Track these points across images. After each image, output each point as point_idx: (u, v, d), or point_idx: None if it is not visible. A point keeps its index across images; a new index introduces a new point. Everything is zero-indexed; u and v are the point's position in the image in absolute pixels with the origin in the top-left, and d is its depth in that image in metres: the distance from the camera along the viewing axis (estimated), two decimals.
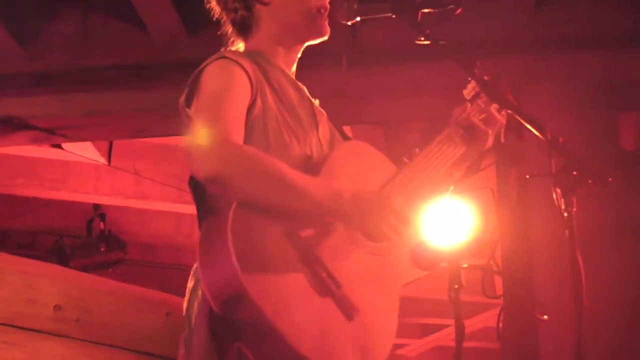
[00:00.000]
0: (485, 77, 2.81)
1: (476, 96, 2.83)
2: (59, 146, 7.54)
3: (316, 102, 2.88)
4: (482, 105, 2.83)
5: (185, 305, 2.60)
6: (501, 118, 2.85)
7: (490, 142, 2.87)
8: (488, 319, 9.61)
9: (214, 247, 2.36)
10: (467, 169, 2.91)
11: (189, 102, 2.65)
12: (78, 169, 8.46)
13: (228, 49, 2.88)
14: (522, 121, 2.61)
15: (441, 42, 2.70)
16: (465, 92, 2.86)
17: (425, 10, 2.74)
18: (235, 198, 2.40)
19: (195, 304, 2.54)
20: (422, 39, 2.71)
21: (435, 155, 2.78)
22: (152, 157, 8.46)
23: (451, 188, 2.89)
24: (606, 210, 4.94)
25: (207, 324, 2.44)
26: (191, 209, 9.15)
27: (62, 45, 6.24)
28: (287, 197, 2.43)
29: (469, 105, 2.87)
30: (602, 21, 6.01)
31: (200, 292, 2.51)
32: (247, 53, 2.78)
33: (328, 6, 2.83)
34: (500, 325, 2.55)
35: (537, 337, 5.26)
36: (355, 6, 2.79)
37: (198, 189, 2.62)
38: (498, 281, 6.26)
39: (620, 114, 6.19)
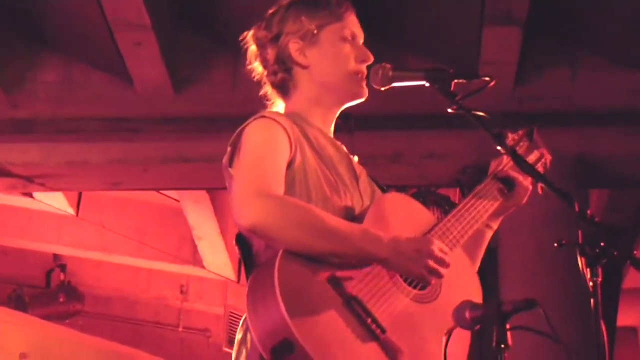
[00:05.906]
0: (517, 149, 2.89)
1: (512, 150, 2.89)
2: (29, 194, 7.50)
3: (355, 158, 2.94)
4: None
5: (234, 356, 2.62)
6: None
7: (527, 196, 2.95)
8: None
9: (263, 296, 2.42)
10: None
11: (231, 162, 2.72)
12: (41, 218, 8.42)
13: (268, 109, 2.93)
14: (550, 191, 2.69)
15: (474, 113, 2.73)
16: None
17: (459, 80, 2.80)
18: (278, 246, 2.46)
19: (244, 354, 2.58)
20: (454, 108, 2.74)
21: (473, 207, 2.85)
22: (117, 210, 8.45)
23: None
24: None
25: None
26: (149, 263, 8.98)
27: (45, 94, 6.26)
28: (327, 243, 2.49)
29: (505, 158, 2.94)
30: (576, 99, 6.18)
31: (249, 343, 2.55)
32: (286, 114, 2.84)
33: (365, 70, 2.89)
34: None
35: None
36: (390, 74, 2.83)
37: (245, 246, 2.67)
38: None
39: (591, 191, 6.37)
